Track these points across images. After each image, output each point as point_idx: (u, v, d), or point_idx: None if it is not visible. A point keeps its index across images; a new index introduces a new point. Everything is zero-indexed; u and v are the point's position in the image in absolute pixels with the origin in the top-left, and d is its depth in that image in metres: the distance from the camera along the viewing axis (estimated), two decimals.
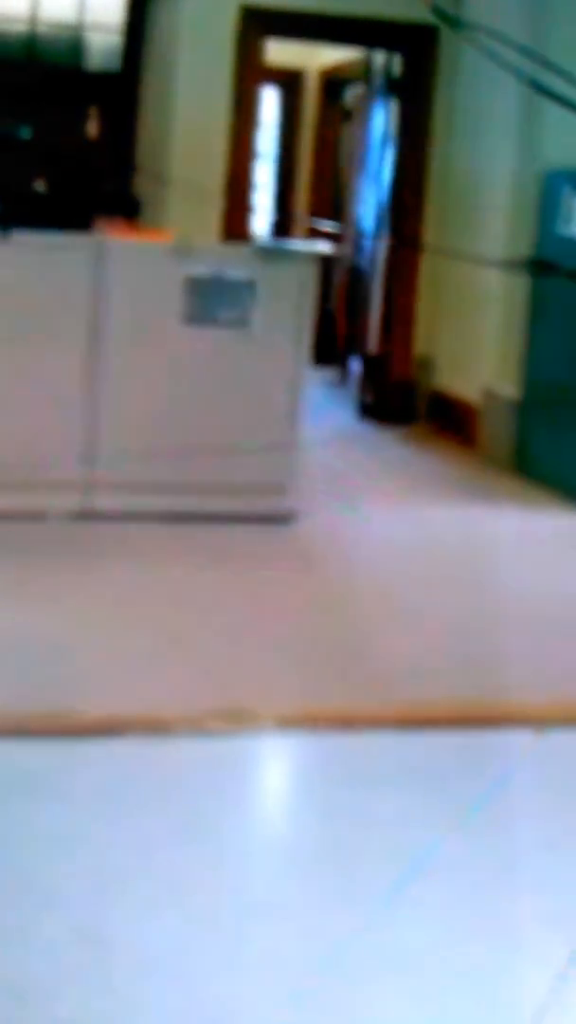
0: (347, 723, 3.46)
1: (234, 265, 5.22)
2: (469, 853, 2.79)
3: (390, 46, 7.74)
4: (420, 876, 2.70)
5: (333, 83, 9.44)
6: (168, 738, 3.29)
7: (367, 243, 8.22)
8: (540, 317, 6.50)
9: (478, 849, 2.81)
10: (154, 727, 3.32)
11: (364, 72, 8.32)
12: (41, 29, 7.70)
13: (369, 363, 8.01)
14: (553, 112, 6.24)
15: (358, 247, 8.48)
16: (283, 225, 9.66)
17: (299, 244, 6.62)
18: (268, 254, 5.35)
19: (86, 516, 5.10)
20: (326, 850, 2.84)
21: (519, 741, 3.43)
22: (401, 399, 7.71)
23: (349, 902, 2.61)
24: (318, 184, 9.62)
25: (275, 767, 3.44)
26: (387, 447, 7.21)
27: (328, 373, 8.76)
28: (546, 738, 3.45)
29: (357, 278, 8.47)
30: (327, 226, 8.43)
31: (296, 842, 2.94)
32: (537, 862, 2.79)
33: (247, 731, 3.38)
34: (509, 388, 6.73)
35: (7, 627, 3.99)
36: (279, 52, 8.16)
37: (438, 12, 5.55)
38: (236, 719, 3.41)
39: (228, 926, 2.50)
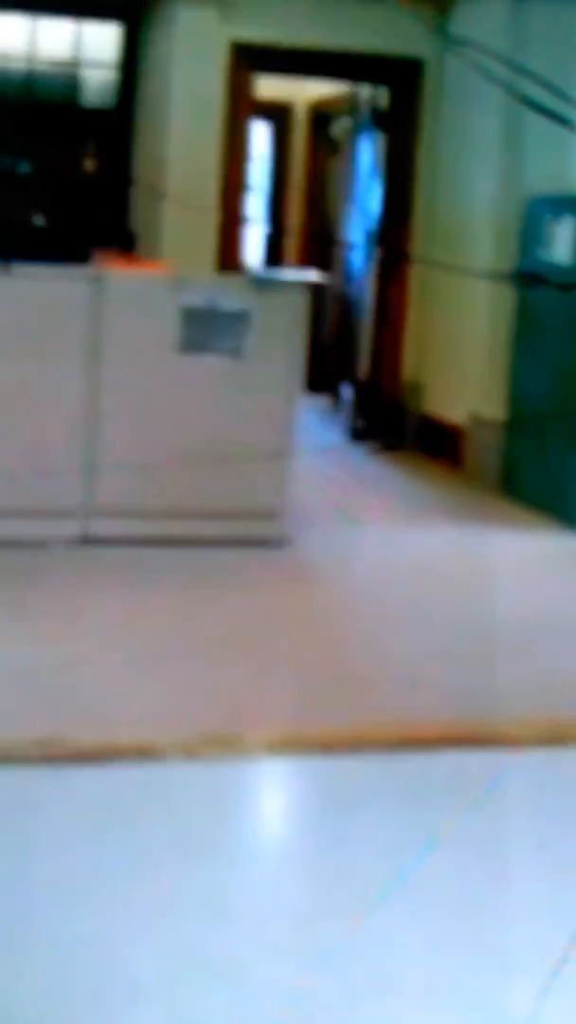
0: (336, 747, 3.48)
1: (228, 296, 5.32)
2: (458, 873, 2.81)
3: (376, 80, 7.85)
4: (409, 892, 2.74)
5: (321, 116, 9.55)
6: (160, 764, 3.30)
7: (356, 273, 8.34)
8: (524, 342, 6.59)
9: (467, 869, 2.83)
10: (146, 753, 3.33)
11: (351, 105, 8.45)
12: (38, 67, 7.82)
13: (360, 389, 8.13)
14: (534, 140, 6.39)
15: (348, 277, 8.60)
16: (275, 254, 9.76)
17: (291, 274, 6.73)
18: (261, 284, 5.44)
19: (85, 542, 5.17)
20: (316, 873, 2.86)
21: (511, 761, 3.45)
22: (391, 423, 7.82)
23: (342, 924, 2.61)
24: (308, 215, 9.74)
25: (266, 792, 3.45)
26: (377, 470, 7.27)
27: (322, 400, 8.86)
28: (537, 756, 3.49)
29: (347, 307, 8.59)
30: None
31: (288, 865, 2.96)
32: (528, 880, 2.82)
33: (238, 756, 3.39)
34: (495, 411, 6.83)
35: (3, 653, 4.01)
36: (268, 86, 8.27)
37: (438, 31, 5.66)
38: (227, 745, 3.43)
39: (219, 950, 2.50)
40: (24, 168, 7.51)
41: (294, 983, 2.42)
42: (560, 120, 2.87)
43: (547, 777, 3.40)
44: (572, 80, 6.04)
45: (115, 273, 5.41)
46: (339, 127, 9.24)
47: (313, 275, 6.15)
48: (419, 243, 7.67)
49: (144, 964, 2.44)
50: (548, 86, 2.82)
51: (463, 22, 6.49)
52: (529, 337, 6.53)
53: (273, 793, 3.46)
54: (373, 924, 2.63)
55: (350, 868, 2.87)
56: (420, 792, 3.27)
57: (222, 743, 3.45)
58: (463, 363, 7.25)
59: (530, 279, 6.19)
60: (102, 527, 5.22)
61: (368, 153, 8.12)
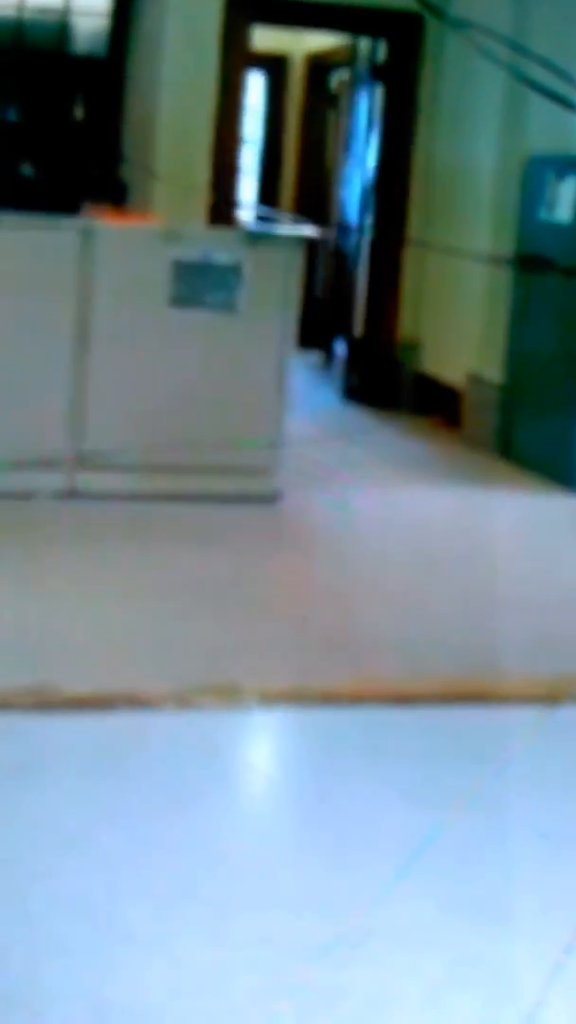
0: (332, 699, 3.49)
1: (221, 249, 5.26)
2: (456, 829, 2.80)
3: (375, 33, 7.77)
4: (403, 844, 2.73)
5: (318, 68, 9.46)
6: (153, 713, 3.31)
7: (352, 227, 8.25)
8: (524, 301, 6.54)
9: (466, 826, 2.82)
10: (139, 702, 3.35)
11: (349, 58, 8.35)
12: (28, 14, 7.71)
13: (354, 346, 8.06)
14: (537, 98, 6.29)
15: (343, 231, 8.52)
16: (268, 208, 9.69)
17: (285, 228, 6.66)
18: (254, 238, 5.39)
19: (72, 496, 5.14)
20: (312, 823, 2.87)
21: (505, 717, 3.47)
22: (386, 382, 7.76)
23: (335, 875, 2.63)
24: (303, 168, 9.66)
25: (260, 742, 3.46)
26: (371, 429, 7.25)
27: (314, 356, 8.80)
28: (535, 713, 3.48)
29: (342, 261, 8.51)
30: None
31: (281, 815, 2.98)
32: (527, 840, 2.81)
33: (232, 706, 3.40)
34: (494, 372, 6.78)
35: None
36: (265, 37, 8.18)
37: (425, 4, 5.57)
38: (221, 694, 3.44)
39: (213, 898, 2.52)
40: (12, 116, 7.42)
41: (287, 931, 2.43)
42: (565, 103, 2.81)
43: (545, 732, 3.39)
44: (573, 55, 5.95)
45: (105, 225, 5.36)
46: (337, 80, 9.14)
47: (307, 229, 6.07)
48: (417, 198, 7.60)
49: (137, 912, 2.45)
50: (551, 67, 2.75)
51: None
52: (529, 298, 6.48)
53: (267, 744, 3.47)
54: (368, 873, 2.64)
55: (344, 818, 2.88)
56: (416, 747, 3.28)
57: (216, 692, 3.46)
58: (462, 321, 7.19)
59: (536, 263, 6.10)
60: (90, 481, 5.18)
61: (366, 107, 8.02)
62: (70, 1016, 2.14)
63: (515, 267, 6.32)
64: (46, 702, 3.31)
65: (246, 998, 2.23)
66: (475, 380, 6.96)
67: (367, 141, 8.00)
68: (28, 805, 2.82)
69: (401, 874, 2.61)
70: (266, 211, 9.11)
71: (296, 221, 7.46)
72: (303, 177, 9.66)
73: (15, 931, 2.35)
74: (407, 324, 7.73)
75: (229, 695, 3.45)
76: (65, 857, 2.62)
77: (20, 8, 7.69)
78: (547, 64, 2.76)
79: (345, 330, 8.26)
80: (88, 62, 7.82)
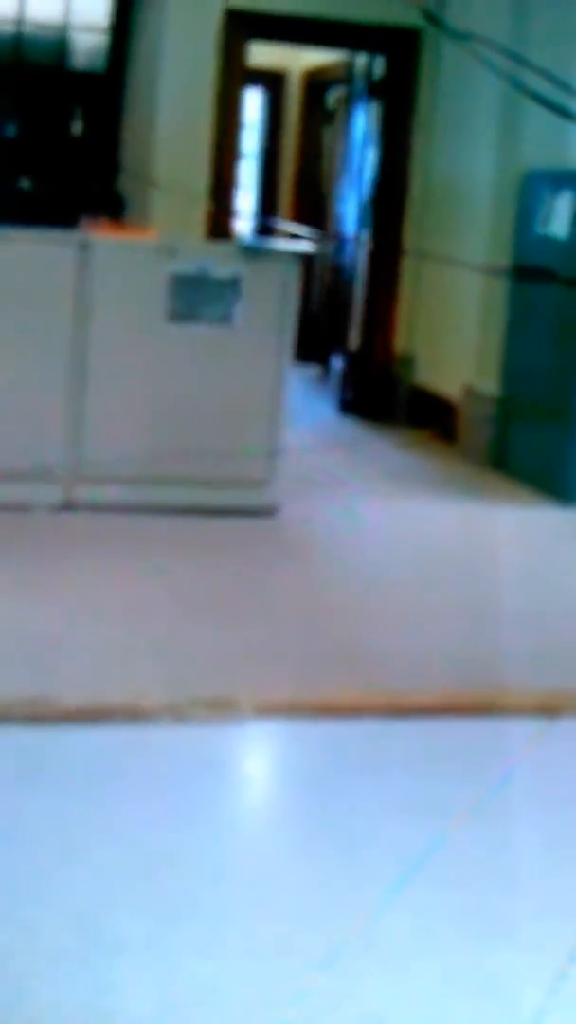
0: (329, 711, 3.49)
1: (218, 263, 5.28)
2: (455, 840, 2.81)
3: (372, 49, 7.80)
4: (402, 856, 2.74)
5: (316, 84, 9.51)
6: (149, 726, 3.32)
7: (349, 242, 8.29)
8: (520, 314, 6.55)
9: (465, 837, 2.83)
10: (135, 715, 3.35)
11: (346, 74, 8.39)
12: (27, 29, 7.75)
13: (351, 360, 8.09)
14: (533, 113, 6.33)
15: (340, 246, 8.55)
16: (266, 224, 9.72)
17: (282, 243, 6.69)
18: (252, 252, 5.41)
19: (70, 508, 5.15)
20: (309, 835, 2.88)
21: (504, 729, 3.47)
22: (382, 395, 7.78)
23: (333, 887, 2.64)
24: (301, 184, 9.70)
25: (257, 755, 3.46)
26: (367, 442, 7.27)
27: (311, 369, 8.83)
28: (533, 725, 3.49)
29: (339, 276, 8.54)
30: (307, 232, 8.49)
31: (279, 827, 2.98)
32: (528, 851, 2.82)
33: (228, 719, 3.41)
34: (489, 385, 6.80)
35: None
36: (263, 53, 8.22)
37: (427, 15, 5.61)
38: (216, 707, 3.44)
39: (208, 910, 2.52)
40: (11, 131, 7.46)
41: (285, 943, 2.43)
42: (564, 113, 2.83)
43: (545, 744, 3.40)
44: (571, 66, 6.00)
45: (103, 239, 5.38)
46: (334, 96, 9.18)
47: (304, 244, 6.09)
48: (414, 213, 7.63)
49: (134, 923, 2.45)
50: (550, 77, 2.77)
51: (461, 4, 6.42)
52: (525, 312, 6.50)
53: (264, 756, 3.47)
54: (367, 885, 2.65)
55: (343, 830, 2.88)
56: (415, 758, 3.28)
57: (212, 706, 3.46)
58: (457, 335, 7.21)
59: (535, 274, 6.13)
60: (87, 493, 5.19)
61: (363, 122, 8.06)
62: None
63: (515, 277, 6.33)
64: (43, 714, 3.32)
65: (243, 1010, 2.23)
66: (470, 393, 6.98)
67: (364, 157, 8.04)
68: (25, 816, 2.82)
69: (400, 885, 2.62)
70: (266, 220, 9.15)
71: (294, 230, 7.49)
72: (300, 192, 9.69)
73: (12, 942, 2.36)
74: (403, 338, 7.76)
75: (226, 707, 3.45)
76: (62, 868, 2.63)
77: (19, 23, 7.72)
78: (546, 75, 2.77)
79: (342, 344, 8.29)
80: (87, 77, 7.86)
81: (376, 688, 3.70)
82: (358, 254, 8.13)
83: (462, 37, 4.14)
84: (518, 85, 2.88)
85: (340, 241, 8.53)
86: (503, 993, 2.33)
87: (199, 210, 7.18)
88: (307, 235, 6.10)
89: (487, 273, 6.57)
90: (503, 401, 6.64)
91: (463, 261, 6.76)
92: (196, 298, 5.24)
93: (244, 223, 9.11)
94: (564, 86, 2.82)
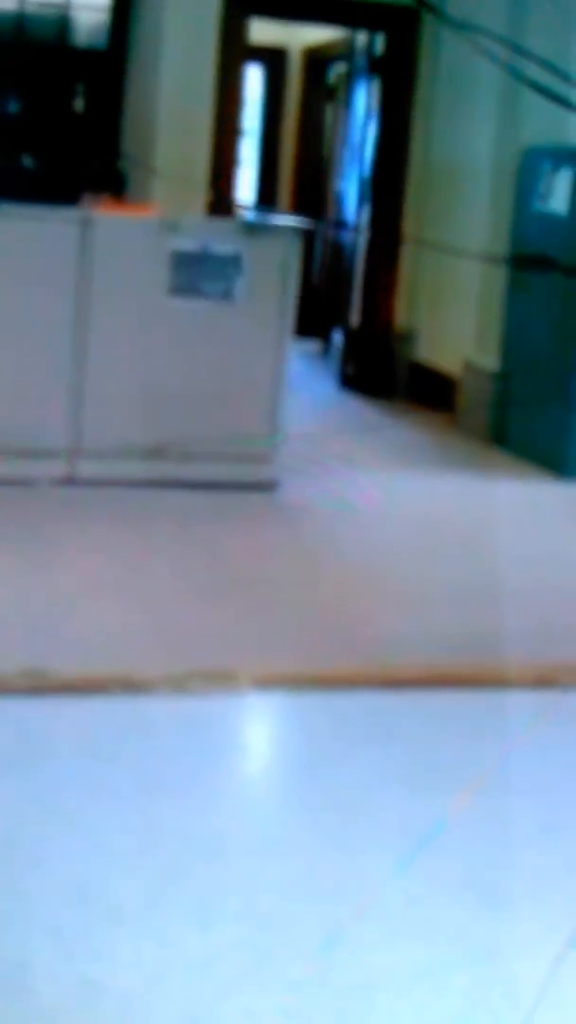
0: (326, 684, 3.50)
1: (219, 239, 5.30)
2: (453, 813, 2.82)
3: (372, 26, 7.80)
4: (399, 829, 2.76)
5: (316, 61, 9.50)
6: (147, 697, 3.33)
7: (349, 218, 8.30)
8: (520, 290, 6.57)
9: (463, 810, 2.84)
10: (134, 686, 3.36)
11: (347, 51, 8.39)
12: (29, 7, 7.75)
13: (351, 335, 8.11)
14: (532, 91, 6.34)
15: (341, 221, 8.56)
16: (267, 200, 9.73)
17: (283, 219, 6.70)
18: (252, 229, 5.43)
19: (71, 483, 5.17)
20: (306, 806, 2.89)
21: (501, 701, 3.47)
22: (382, 370, 7.81)
23: (328, 858, 2.64)
24: (302, 160, 9.70)
25: (255, 727, 3.47)
26: (367, 417, 7.28)
27: (312, 344, 8.85)
28: (528, 697, 3.50)
29: (340, 251, 8.56)
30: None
31: (275, 798, 2.99)
32: (527, 820, 2.83)
33: (227, 691, 3.42)
34: (489, 360, 6.83)
35: None
36: (263, 30, 8.21)
37: (423, 3, 5.61)
38: (215, 679, 3.46)
39: (205, 881, 2.53)
40: (13, 108, 7.46)
41: (279, 913, 2.44)
42: (561, 101, 2.85)
43: (545, 717, 3.41)
44: (570, 54, 6.01)
45: (104, 215, 5.39)
46: (335, 73, 9.18)
47: (305, 221, 6.11)
48: (414, 190, 7.64)
49: (129, 894, 2.46)
50: (548, 66, 2.79)
51: None
52: (524, 287, 6.51)
53: (262, 728, 3.48)
54: (362, 857, 2.65)
55: (339, 802, 2.89)
56: (412, 731, 3.29)
57: (212, 677, 3.47)
58: (457, 311, 7.23)
59: (535, 262, 6.14)
60: (90, 468, 5.22)
61: (363, 99, 8.07)
62: (61, 996, 2.15)
63: (515, 266, 6.34)
64: (43, 686, 3.32)
65: (236, 979, 2.23)
66: (470, 368, 7.01)
67: (365, 133, 8.05)
68: (22, 788, 2.83)
69: (397, 857, 2.62)
70: (264, 205, 9.16)
71: (293, 213, 7.50)
72: (301, 169, 9.69)
73: (8, 912, 2.36)
74: (404, 313, 7.77)
75: (225, 680, 3.46)
76: (59, 839, 2.63)
77: (21, 1, 7.73)
78: (544, 63, 2.80)
79: (342, 319, 8.31)
80: (88, 54, 7.84)
81: (375, 661, 3.71)
82: (358, 230, 8.14)
83: (461, 26, 4.15)
84: (516, 73, 2.91)
85: (340, 219, 8.54)
86: (500, 964, 2.34)
87: (200, 186, 7.19)
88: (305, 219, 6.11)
89: (487, 261, 6.58)
90: (502, 376, 6.67)
91: (463, 245, 6.76)
92: (197, 274, 5.26)
93: (245, 202, 9.12)
94: (562, 74, 2.84)
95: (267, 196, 9.72)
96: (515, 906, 2.52)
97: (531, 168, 6.44)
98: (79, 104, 7.81)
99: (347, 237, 8.35)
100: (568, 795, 3.00)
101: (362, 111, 8.09)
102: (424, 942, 2.38)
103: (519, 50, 3.14)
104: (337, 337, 8.49)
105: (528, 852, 2.71)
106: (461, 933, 2.42)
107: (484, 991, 2.27)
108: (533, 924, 2.46)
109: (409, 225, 7.69)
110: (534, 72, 2.82)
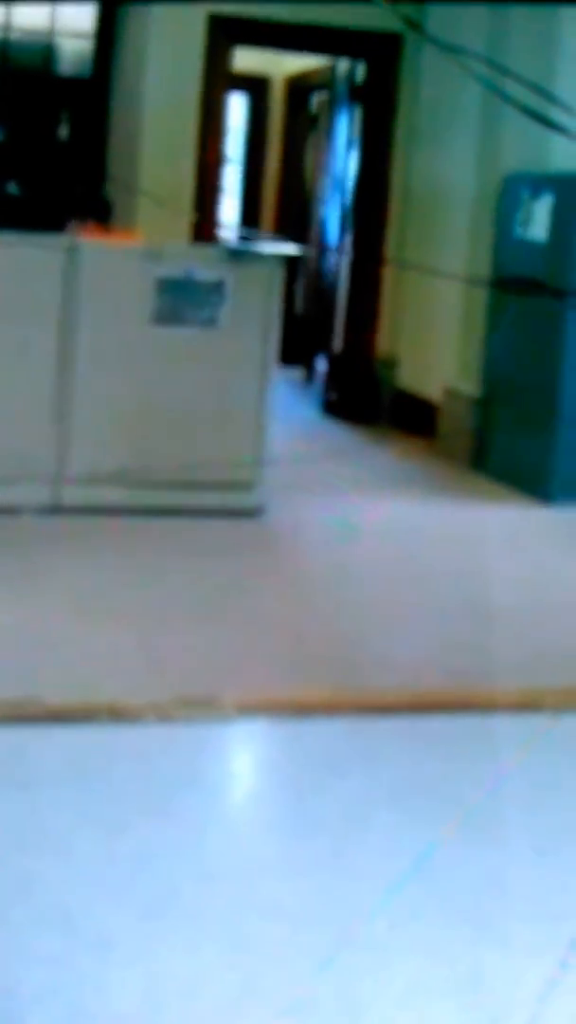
0: (311, 710, 3.51)
1: (203, 266, 5.32)
2: (440, 837, 2.83)
3: (354, 54, 7.85)
4: (383, 852, 2.77)
5: (299, 90, 9.55)
6: (135, 725, 3.33)
7: (332, 245, 8.35)
8: (500, 315, 6.60)
9: (451, 835, 2.84)
10: (119, 714, 3.36)
11: (329, 79, 8.44)
12: (14, 35, 7.79)
13: (334, 362, 8.14)
14: (513, 118, 6.40)
15: (323, 249, 8.61)
16: (250, 228, 9.77)
17: (266, 246, 6.73)
18: (236, 256, 5.45)
19: (57, 510, 5.17)
20: (292, 832, 2.89)
21: (485, 726, 3.49)
22: (365, 397, 7.84)
23: (314, 884, 2.64)
24: (284, 188, 9.75)
25: (241, 753, 3.48)
26: (351, 444, 7.30)
27: (295, 372, 8.87)
28: (510, 721, 3.51)
29: (323, 279, 8.60)
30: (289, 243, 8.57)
31: (261, 825, 2.98)
32: (508, 849, 2.83)
33: (213, 718, 3.42)
34: (470, 386, 6.86)
35: None
36: (246, 59, 8.26)
37: (409, 22, 5.66)
38: (200, 706, 3.46)
39: (192, 908, 2.53)
40: None
41: (265, 939, 2.44)
42: (544, 121, 2.88)
43: (522, 740, 3.42)
44: (551, 74, 6.07)
45: (89, 243, 5.40)
46: (317, 101, 9.23)
47: (289, 248, 6.15)
48: (395, 217, 7.69)
49: (116, 921, 2.46)
50: (531, 85, 2.82)
51: (441, 13, 6.47)
52: (505, 313, 6.55)
53: (246, 755, 3.49)
54: (349, 882, 2.66)
55: (325, 828, 2.89)
56: (397, 756, 3.30)
57: (196, 705, 3.47)
58: (439, 337, 7.27)
59: (519, 284, 6.17)
60: (75, 495, 5.22)
61: (345, 127, 8.12)
62: None
63: (505, 290, 6.37)
64: (28, 714, 3.32)
65: (223, 1006, 2.22)
66: (451, 394, 7.04)
67: (346, 161, 8.09)
68: (9, 815, 2.82)
69: (385, 882, 2.62)
70: (246, 231, 9.20)
71: (276, 240, 7.54)
72: (284, 196, 9.73)
73: None
74: (386, 340, 7.81)
75: (210, 707, 3.46)
76: (45, 866, 2.62)
77: (6, 29, 7.76)
78: (527, 83, 2.81)
79: (326, 346, 8.34)
80: (73, 82, 7.88)
81: (359, 686, 3.72)
82: (341, 257, 8.18)
83: (446, 46, 4.19)
84: (504, 95, 2.94)
85: (323, 244, 8.58)
86: (489, 989, 2.34)
87: (184, 213, 7.23)
88: (289, 246, 6.15)
89: (470, 284, 6.62)
90: (483, 402, 6.70)
91: (445, 271, 6.81)
92: (182, 301, 5.27)
93: (229, 226, 9.16)
94: (545, 94, 2.87)
95: (251, 224, 9.76)
96: (503, 930, 2.52)
97: (512, 195, 6.48)
98: (64, 132, 7.84)
99: (330, 264, 8.39)
100: (556, 819, 3.00)
101: (344, 139, 8.14)
102: (413, 967, 2.38)
103: (505, 72, 3.17)
104: (320, 364, 8.52)
105: (517, 876, 2.72)
106: (449, 958, 2.42)
107: (473, 1016, 2.27)
108: (521, 948, 2.47)
109: (391, 251, 7.73)
110: (519, 94, 2.84)
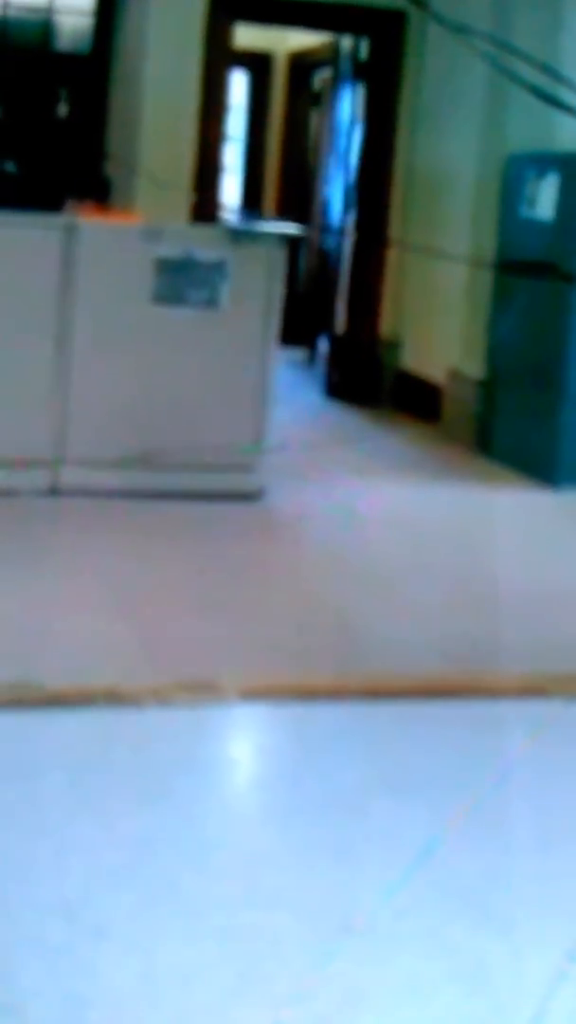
0: (312, 695, 3.50)
1: (204, 246, 5.28)
2: (442, 823, 2.81)
3: (357, 30, 7.80)
4: (384, 839, 2.75)
5: (301, 67, 9.49)
6: (133, 709, 3.32)
7: (335, 225, 8.29)
8: (505, 297, 6.58)
9: (449, 823, 2.82)
10: (119, 699, 3.35)
11: (332, 56, 8.38)
12: (12, 12, 7.73)
13: (337, 343, 8.10)
14: (517, 96, 6.34)
15: (326, 228, 8.55)
16: (252, 206, 9.72)
17: (268, 225, 6.68)
18: (237, 235, 5.41)
19: (55, 493, 5.15)
20: (292, 819, 2.87)
21: (489, 711, 3.48)
22: (368, 379, 7.80)
23: (315, 871, 2.63)
24: (287, 166, 9.69)
25: (241, 738, 3.47)
26: (353, 425, 7.28)
27: (297, 353, 8.83)
28: (515, 707, 3.49)
29: (325, 259, 8.55)
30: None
31: (262, 811, 2.98)
32: (513, 837, 2.82)
33: (213, 702, 3.41)
34: (474, 367, 6.82)
35: None
36: (248, 35, 8.20)
37: (425, 7, 5.60)
38: (199, 690, 3.45)
39: (191, 895, 2.52)
40: None
41: (265, 927, 2.42)
42: (549, 100, 2.84)
43: (526, 727, 3.39)
44: (556, 52, 6.01)
45: (88, 222, 5.36)
46: (320, 78, 9.17)
47: (291, 227, 6.09)
48: (399, 196, 7.64)
49: (115, 908, 2.45)
50: (537, 63, 2.78)
51: None
52: (510, 295, 6.52)
53: (247, 740, 3.47)
54: (349, 869, 2.64)
55: (326, 814, 2.88)
56: (399, 741, 3.28)
57: (196, 689, 3.46)
58: (443, 318, 7.23)
59: (537, 268, 6.12)
60: (74, 478, 5.19)
61: (348, 104, 8.06)
62: (47, 1012, 2.14)
63: (514, 272, 6.32)
64: (27, 699, 3.31)
65: (222, 995, 2.22)
66: (455, 376, 7.00)
67: (350, 139, 8.04)
68: (7, 801, 2.82)
69: (386, 871, 2.61)
70: (248, 211, 9.15)
71: (278, 219, 7.49)
72: (286, 175, 9.68)
73: None
74: (389, 321, 7.77)
75: (210, 691, 3.45)
76: (44, 853, 2.62)
77: (5, 6, 7.71)
78: (532, 61, 2.78)
79: (328, 327, 8.30)
80: (72, 59, 7.84)
81: (361, 671, 3.71)
82: (343, 237, 8.13)
83: (450, 24, 4.14)
84: (511, 75, 2.89)
85: (326, 224, 8.53)
86: (491, 979, 2.32)
87: (184, 193, 7.18)
88: (291, 225, 6.10)
89: (476, 266, 6.57)
90: (487, 384, 6.66)
91: (449, 251, 6.76)
92: (182, 281, 5.24)
93: (230, 205, 9.11)
94: (551, 73, 2.83)
95: (252, 202, 9.71)
96: (508, 921, 2.51)
97: (517, 174, 6.45)
98: (63, 109, 7.79)
99: (332, 244, 8.34)
100: (561, 807, 2.99)
101: (347, 116, 8.09)
102: (414, 957, 2.37)
103: (511, 50, 3.12)
104: (323, 345, 8.47)
105: (521, 864, 2.70)
106: (452, 947, 2.41)
107: (476, 1008, 2.25)
108: (527, 940, 2.45)
109: (394, 231, 7.69)
110: (525, 73, 2.80)
